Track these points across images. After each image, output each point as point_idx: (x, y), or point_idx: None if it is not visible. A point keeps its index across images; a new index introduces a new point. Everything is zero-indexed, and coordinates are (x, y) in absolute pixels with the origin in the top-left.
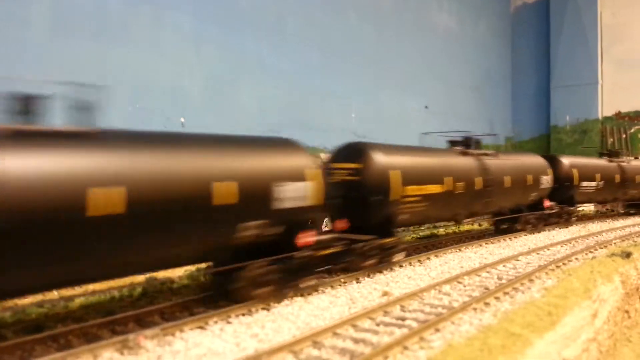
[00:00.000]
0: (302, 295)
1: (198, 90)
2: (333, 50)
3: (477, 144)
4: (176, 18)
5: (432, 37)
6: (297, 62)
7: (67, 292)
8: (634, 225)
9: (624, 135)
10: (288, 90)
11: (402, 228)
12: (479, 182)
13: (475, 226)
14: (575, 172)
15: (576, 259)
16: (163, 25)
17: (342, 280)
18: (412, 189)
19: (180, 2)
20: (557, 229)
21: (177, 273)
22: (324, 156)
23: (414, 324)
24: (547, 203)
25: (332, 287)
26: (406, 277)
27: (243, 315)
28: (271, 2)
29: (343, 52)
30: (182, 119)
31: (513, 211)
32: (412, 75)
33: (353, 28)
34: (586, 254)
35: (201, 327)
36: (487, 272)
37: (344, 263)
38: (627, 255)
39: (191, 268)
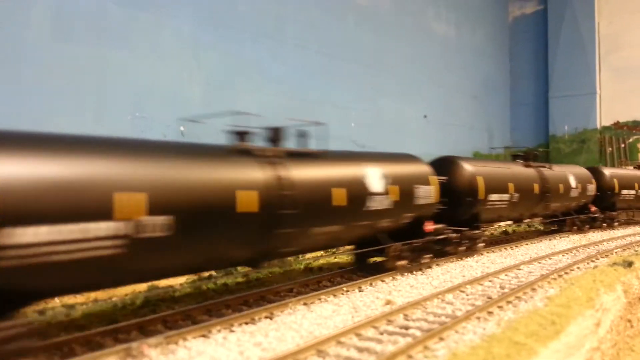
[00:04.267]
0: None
1: (198, 96)
2: (332, 58)
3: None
4: (176, 23)
5: (430, 45)
6: (297, 69)
7: (69, 300)
8: (634, 235)
9: (622, 145)
10: (287, 97)
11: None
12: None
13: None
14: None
15: (578, 268)
16: (163, 30)
17: (345, 289)
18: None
19: (180, 7)
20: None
21: (178, 281)
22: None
23: (418, 333)
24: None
25: (334, 295)
26: (408, 285)
27: (246, 323)
28: (270, 7)
29: (342, 59)
30: (182, 128)
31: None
32: (411, 83)
33: (352, 36)
34: (588, 263)
35: (204, 336)
36: (490, 281)
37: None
38: (629, 264)
39: (193, 277)
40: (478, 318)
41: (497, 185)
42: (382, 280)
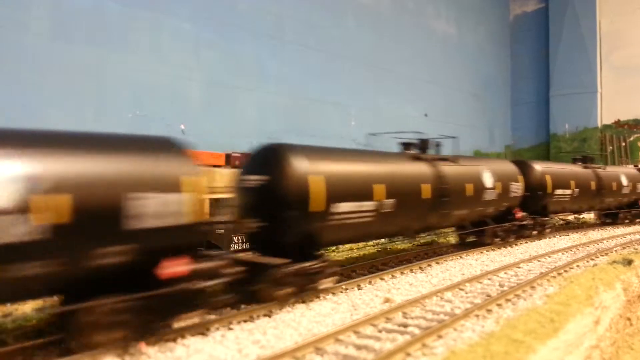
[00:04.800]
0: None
1: (197, 96)
2: (332, 56)
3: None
4: (175, 23)
5: (431, 44)
6: (296, 68)
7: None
8: (634, 233)
9: (623, 144)
10: (287, 96)
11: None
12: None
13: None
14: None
15: (577, 266)
16: (162, 30)
17: (344, 287)
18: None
19: (180, 7)
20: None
21: None
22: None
23: (416, 331)
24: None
25: (333, 293)
26: (407, 283)
27: (245, 321)
28: (270, 7)
29: (342, 58)
30: (183, 126)
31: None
32: (411, 82)
33: (352, 34)
34: (587, 261)
35: (202, 334)
36: (489, 279)
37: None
38: (629, 262)
39: None
40: (477, 316)
41: (352, 190)
42: (381, 279)
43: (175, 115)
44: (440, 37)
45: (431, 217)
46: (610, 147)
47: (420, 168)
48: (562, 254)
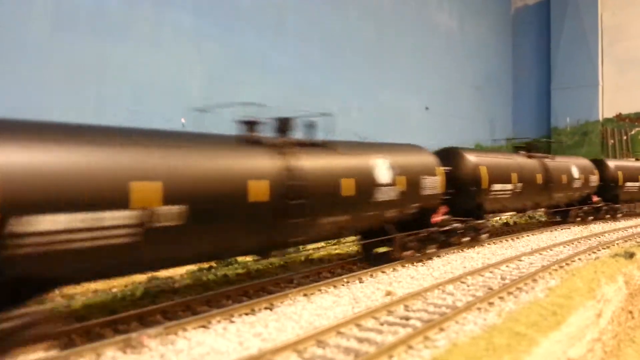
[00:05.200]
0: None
1: (199, 89)
2: (334, 49)
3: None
4: (176, 15)
5: (432, 37)
6: (298, 60)
7: (69, 290)
8: (636, 226)
9: (624, 137)
10: (289, 89)
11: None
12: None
13: None
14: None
15: (579, 259)
16: (163, 23)
17: (345, 280)
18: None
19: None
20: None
21: (179, 272)
22: None
23: (418, 324)
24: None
25: (334, 286)
26: (409, 277)
27: (246, 314)
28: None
29: (344, 51)
30: (183, 120)
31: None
32: (412, 75)
33: (354, 27)
34: (589, 254)
35: (204, 327)
36: (491, 272)
37: None
38: (631, 255)
39: (193, 267)
40: (479, 309)
41: (75, 192)
42: (383, 272)
43: (176, 109)
44: (442, 30)
45: (276, 230)
46: (612, 141)
47: (251, 158)
48: (564, 247)
